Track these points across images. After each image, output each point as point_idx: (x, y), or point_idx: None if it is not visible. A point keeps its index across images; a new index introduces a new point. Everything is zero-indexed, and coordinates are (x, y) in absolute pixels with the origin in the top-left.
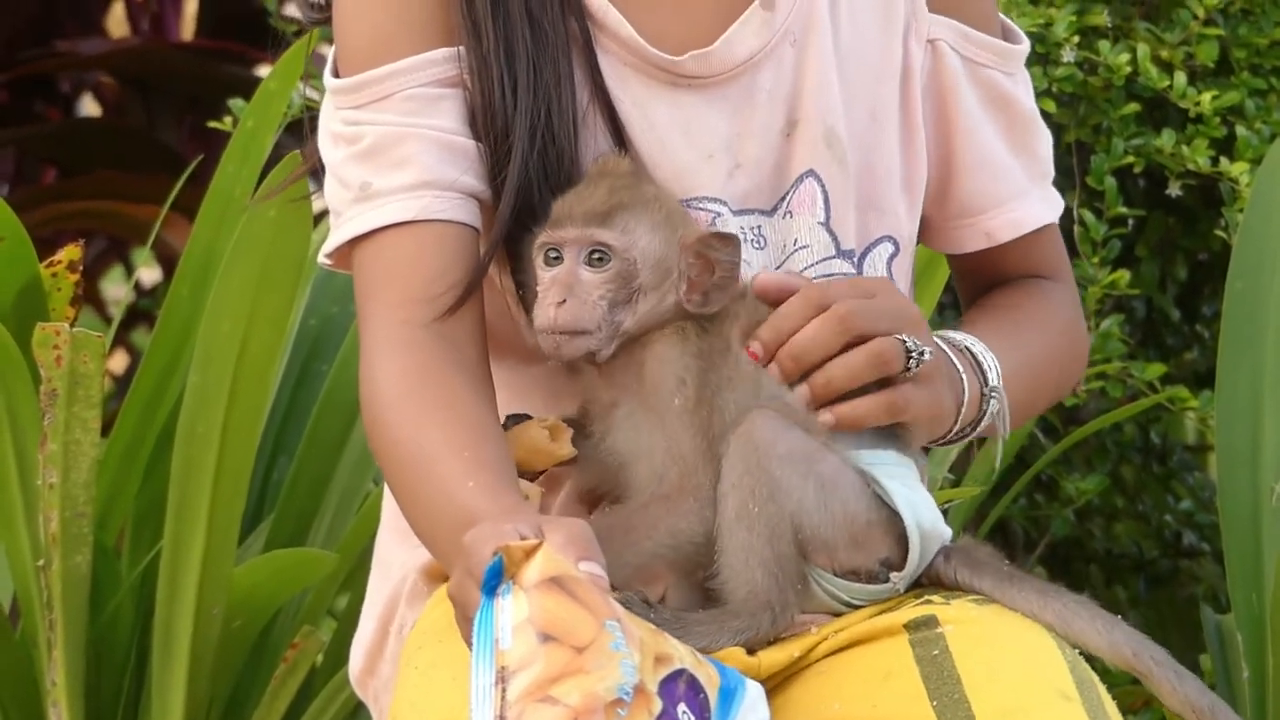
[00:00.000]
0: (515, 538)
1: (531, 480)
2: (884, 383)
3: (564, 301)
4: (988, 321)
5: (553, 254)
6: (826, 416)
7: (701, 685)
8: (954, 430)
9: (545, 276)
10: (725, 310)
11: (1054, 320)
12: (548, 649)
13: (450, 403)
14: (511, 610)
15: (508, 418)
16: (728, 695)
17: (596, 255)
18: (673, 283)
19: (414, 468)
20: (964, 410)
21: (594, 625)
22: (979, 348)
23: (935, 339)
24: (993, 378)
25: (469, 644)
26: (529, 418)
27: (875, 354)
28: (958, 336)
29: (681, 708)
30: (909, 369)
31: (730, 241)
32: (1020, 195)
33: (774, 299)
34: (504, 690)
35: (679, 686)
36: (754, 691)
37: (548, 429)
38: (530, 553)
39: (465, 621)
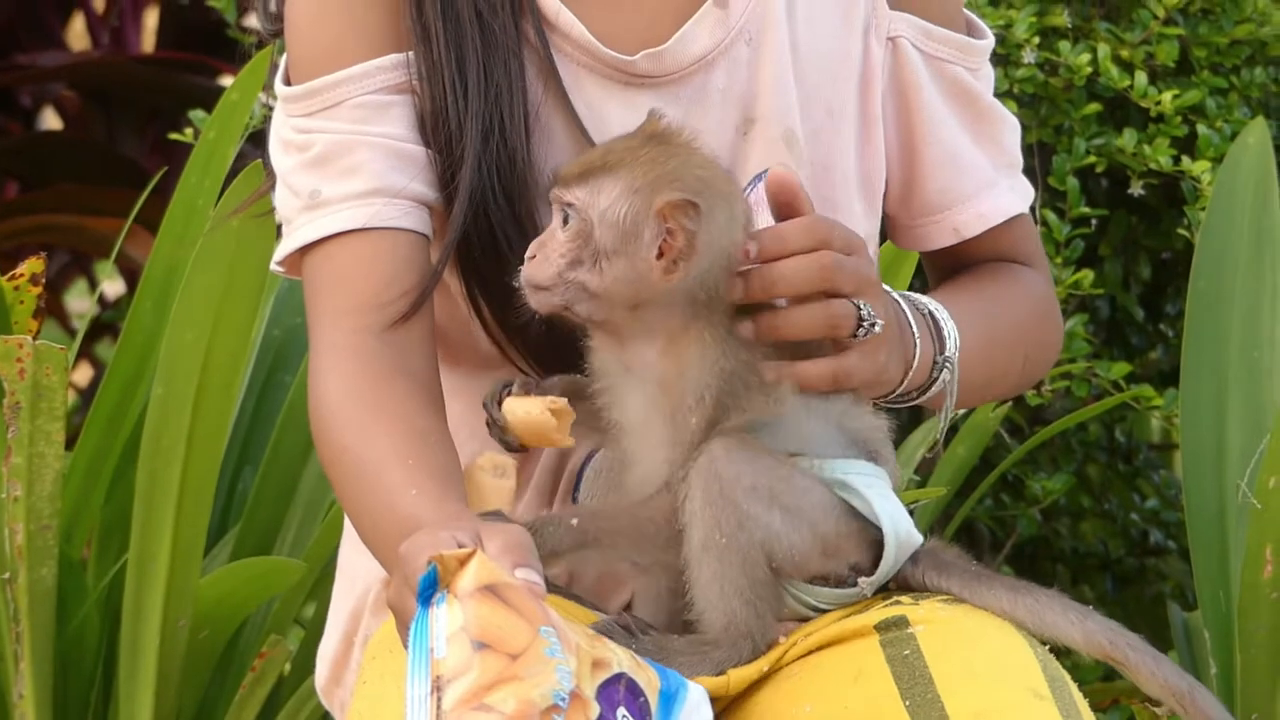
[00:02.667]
0: (451, 546)
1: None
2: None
3: (534, 256)
4: (955, 294)
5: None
6: (772, 375)
7: (641, 689)
8: (896, 393)
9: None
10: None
11: (1023, 301)
12: (482, 657)
13: (396, 411)
14: (446, 619)
15: (505, 385)
16: (668, 698)
17: (564, 214)
18: (645, 248)
19: (359, 476)
20: (912, 374)
21: (528, 632)
22: (942, 314)
23: (896, 297)
24: (949, 347)
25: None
26: (535, 385)
27: (831, 315)
28: (923, 300)
29: (621, 712)
30: (855, 335)
31: (686, 208)
32: (986, 188)
33: (779, 199)
34: (439, 700)
35: (618, 690)
36: (695, 694)
37: (554, 411)
38: (465, 561)
39: (404, 629)
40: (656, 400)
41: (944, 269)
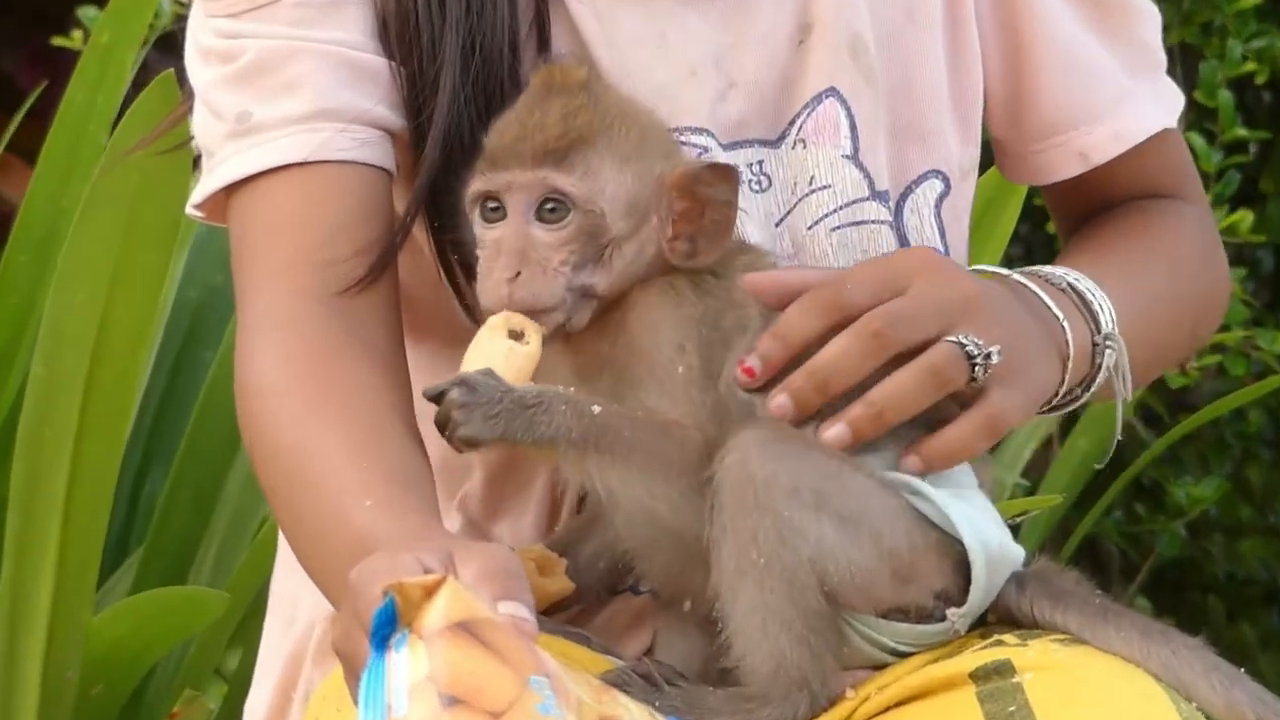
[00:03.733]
0: (415, 571)
1: None
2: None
3: (518, 275)
4: (1095, 254)
5: (492, 205)
6: (913, 461)
7: None
8: (1060, 395)
9: (487, 237)
10: (726, 263)
11: (1182, 247)
12: (454, 715)
13: (348, 398)
14: (408, 666)
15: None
16: None
17: (550, 206)
18: (653, 229)
19: (299, 480)
20: (1070, 367)
21: (514, 683)
22: (1085, 284)
23: (1020, 279)
24: (1105, 322)
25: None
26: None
27: (930, 370)
28: (1058, 273)
29: None
30: (975, 378)
31: (725, 175)
32: (1121, 98)
33: (773, 304)
34: None
35: None
36: None
37: (534, 560)
38: (432, 590)
39: (354, 679)
40: (636, 373)
41: (1073, 209)
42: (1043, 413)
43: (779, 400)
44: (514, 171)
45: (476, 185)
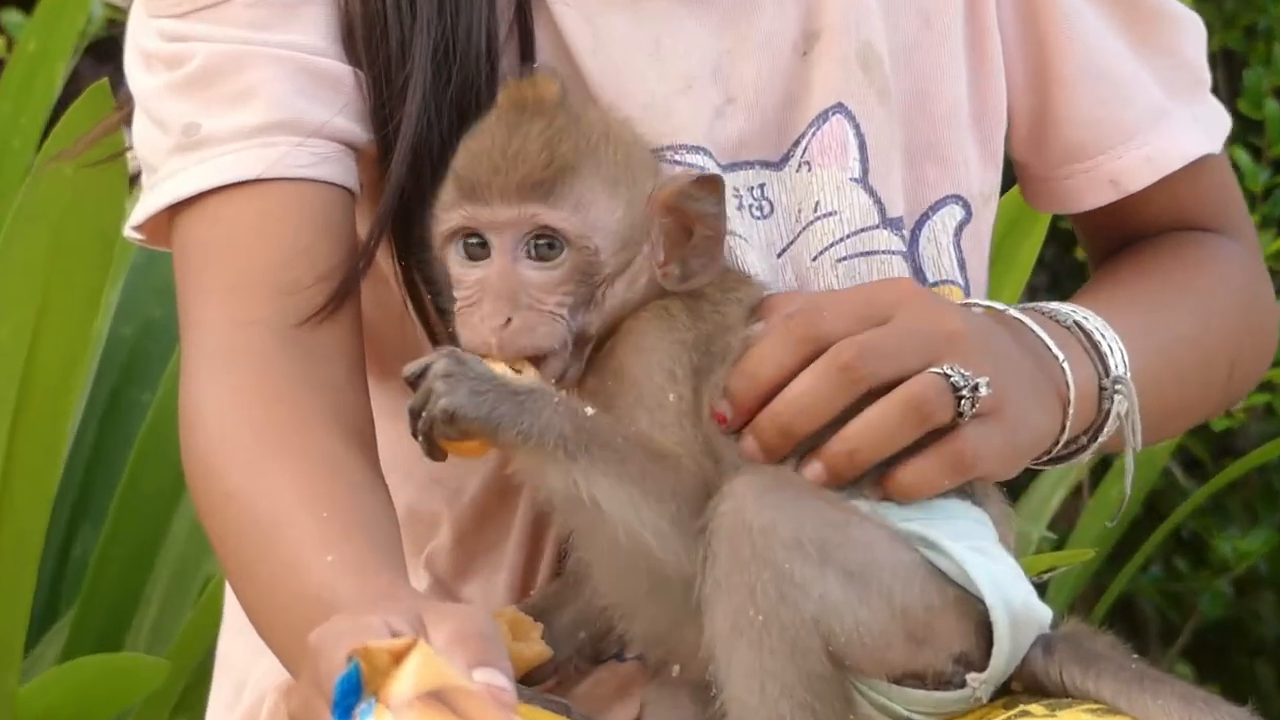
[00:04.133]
0: (383, 634)
1: None
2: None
3: (508, 321)
4: (1116, 291)
5: (473, 241)
6: (879, 495)
7: None
8: (1059, 445)
9: (468, 277)
10: (724, 287)
11: (1220, 285)
12: None
13: (306, 441)
14: None
15: None
16: None
17: (544, 242)
18: (644, 258)
19: (250, 530)
20: (1072, 412)
21: None
22: (1094, 323)
23: (1020, 317)
24: (1115, 365)
25: None
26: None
27: (909, 403)
28: (1064, 310)
29: None
30: (962, 413)
31: (711, 186)
32: (1156, 118)
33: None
34: None
35: None
36: None
37: (506, 623)
38: (401, 656)
39: None
40: (625, 403)
41: (1106, 240)
42: (1042, 463)
43: (746, 444)
44: (496, 206)
45: (453, 220)
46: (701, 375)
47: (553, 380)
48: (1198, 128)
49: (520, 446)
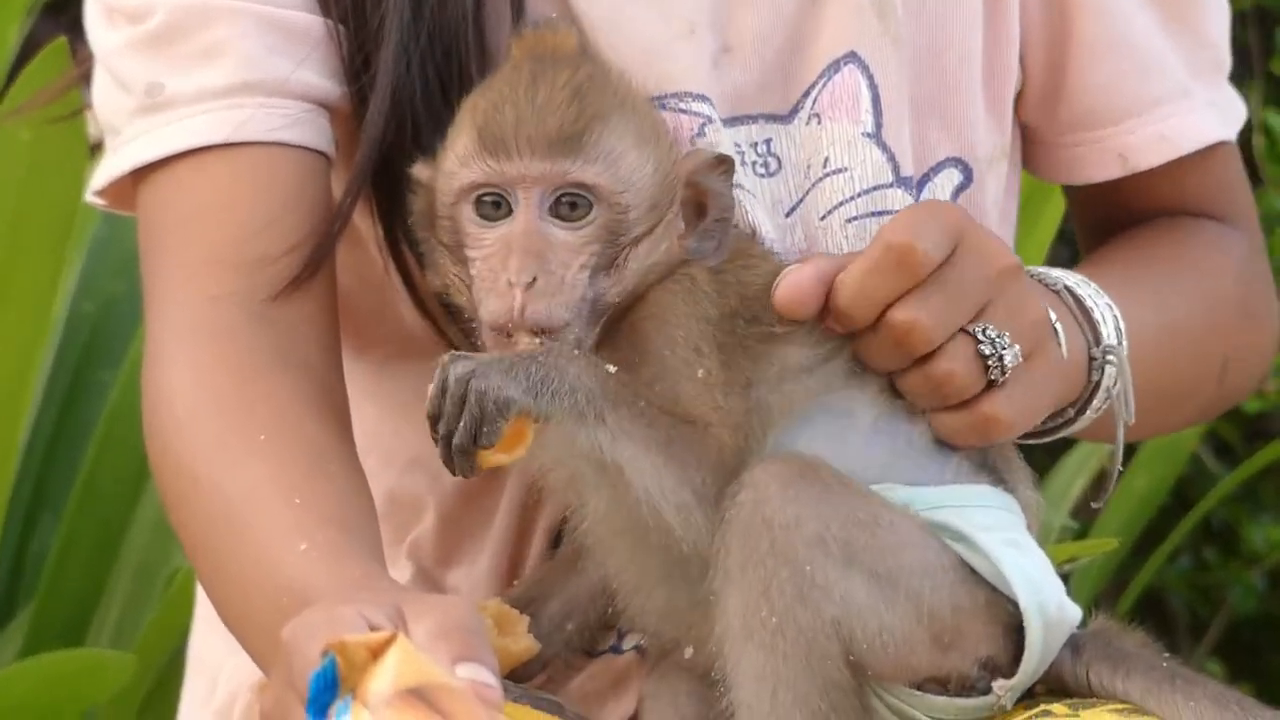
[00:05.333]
0: (359, 627)
1: None
2: None
3: (533, 281)
4: (1110, 270)
5: (492, 200)
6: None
7: None
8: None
9: (487, 237)
10: (743, 254)
11: (1220, 275)
12: None
13: (278, 423)
14: None
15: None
16: None
17: (569, 200)
18: (668, 224)
19: (220, 519)
20: (1060, 381)
21: None
22: (1086, 289)
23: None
24: (1108, 334)
25: None
26: None
27: (940, 381)
28: (1053, 274)
29: None
30: (992, 380)
31: (724, 166)
32: (1175, 96)
33: (794, 310)
34: None
35: None
36: None
37: (490, 616)
38: (379, 650)
39: None
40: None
41: (1101, 219)
42: (1027, 439)
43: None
44: (522, 160)
45: (472, 174)
46: (732, 351)
47: None
48: (1214, 112)
49: (559, 411)
